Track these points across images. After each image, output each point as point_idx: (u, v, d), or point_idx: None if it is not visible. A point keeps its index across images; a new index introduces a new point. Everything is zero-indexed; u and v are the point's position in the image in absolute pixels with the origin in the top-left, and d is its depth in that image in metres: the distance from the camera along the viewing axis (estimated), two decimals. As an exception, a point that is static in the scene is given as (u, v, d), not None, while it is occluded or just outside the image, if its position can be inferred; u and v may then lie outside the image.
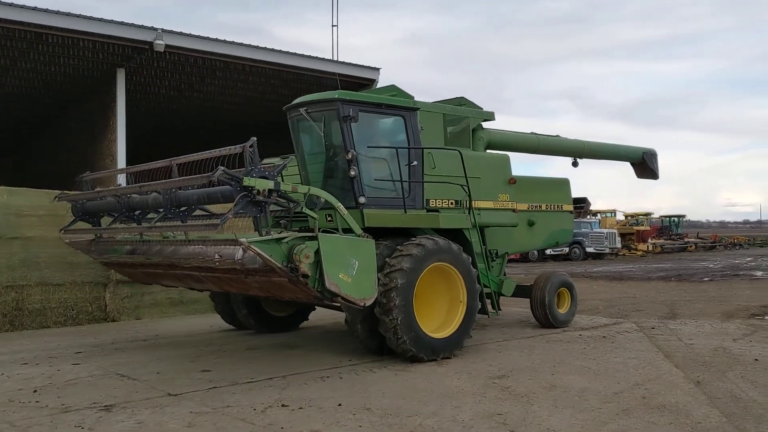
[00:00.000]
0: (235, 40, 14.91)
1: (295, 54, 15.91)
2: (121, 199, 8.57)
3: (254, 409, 6.21)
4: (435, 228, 8.90)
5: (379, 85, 18.17)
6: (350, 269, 6.97)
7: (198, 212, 8.35)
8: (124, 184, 9.45)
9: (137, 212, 8.60)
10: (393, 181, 8.82)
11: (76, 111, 19.02)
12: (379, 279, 7.61)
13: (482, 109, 10.85)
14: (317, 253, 6.71)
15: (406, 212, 8.74)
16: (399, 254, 7.99)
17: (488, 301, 9.54)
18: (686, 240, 48.31)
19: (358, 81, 17.85)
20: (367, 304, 7.26)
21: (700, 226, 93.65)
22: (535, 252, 33.34)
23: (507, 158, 10.71)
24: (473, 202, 9.52)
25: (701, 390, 6.81)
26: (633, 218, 47.08)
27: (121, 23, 14.26)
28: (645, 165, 13.75)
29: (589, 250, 36.42)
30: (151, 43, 13.97)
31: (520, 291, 10.89)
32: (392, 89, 9.70)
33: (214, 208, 8.48)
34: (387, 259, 7.97)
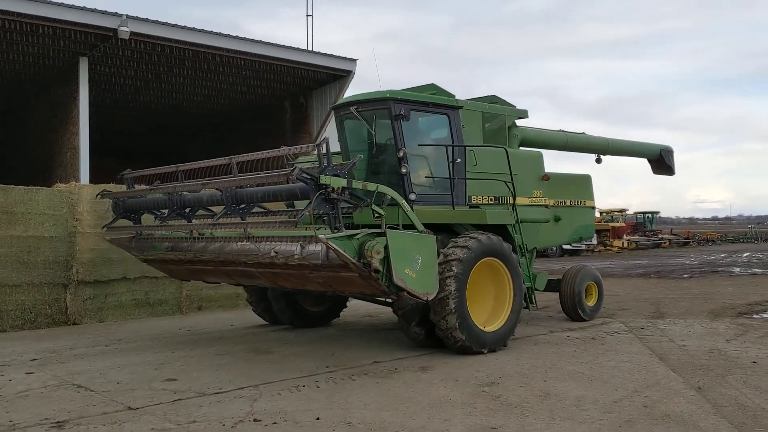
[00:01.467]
0: (205, 28, 14.22)
1: (268, 44, 15.25)
2: (172, 196, 8.66)
3: (223, 425, 5.64)
4: (477, 224, 9.07)
5: (354, 78, 17.63)
6: (415, 264, 7.21)
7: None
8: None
9: (187, 209, 8.74)
10: (442, 179, 9.06)
11: (37, 102, 18.09)
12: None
13: (515, 106, 10.94)
14: (386, 248, 6.90)
15: (454, 209, 8.89)
16: (455, 246, 8.17)
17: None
18: (660, 236, 48.52)
19: (334, 72, 17.26)
20: (429, 299, 7.48)
21: (670, 223, 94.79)
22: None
23: (540, 155, 10.91)
24: (510, 198, 9.72)
25: (704, 397, 6.37)
26: (608, 214, 47.05)
27: (84, 8, 13.43)
28: (662, 161, 13.85)
29: (566, 246, 36.16)
30: (115, 30, 13.20)
31: (549, 285, 10.99)
32: (432, 88, 9.85)
33: (269, 205, 8.70)
34: (442, 250, 8.09)
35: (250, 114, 19.77)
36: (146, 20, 13.64)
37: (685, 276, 21.27)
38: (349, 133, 9.75)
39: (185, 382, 7.23)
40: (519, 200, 9.85)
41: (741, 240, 55.66)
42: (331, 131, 18.79)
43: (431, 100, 9.22)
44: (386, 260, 6.90)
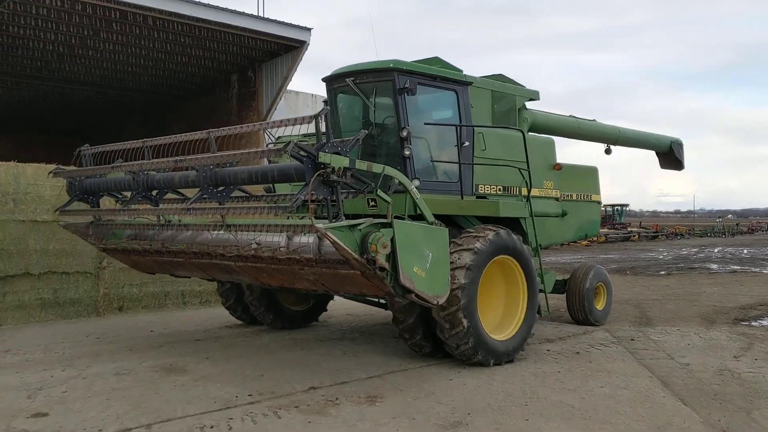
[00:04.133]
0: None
1: (210, 6, 13.32)
2: (138, 176, 7.36)
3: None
4: (485, 217, 8.05)
5: (308, 50, 15.85)
6: (424, 262, 6.08)
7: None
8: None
9: (155, 192, 7.53)
10: (450, 163, 8.07)
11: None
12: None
13: (525, 87, 9.78)
14: (392, 242, 5.81)
15: (462, 198, 7.86)
16: (460, 248, 7.08)
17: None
18: (629, 230, 47.70)
19: (286, 42, 15.37)
20: (440, 303, 6.37)
21: (633, 216, 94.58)
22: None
23: (552, 142, 9.97)
24: (520, 189, 8.71)
25: (734, 447, 4.85)
26: (577, 207, 46.02)
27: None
28: (671, 154, 12.99)
29: (535, 239, 34.92)
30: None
31: (556, 286, 9.93)
32: (436, 61, 8.63)
33: (251, 189, 7.68)
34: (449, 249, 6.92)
35: (192, 88, 17.82)
36: (61, -29, 11.66)
37: (662, 273, 20.07)
38: (344, 109, 8.63)
39: (56, 419, 5.51)
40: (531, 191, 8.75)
41: (708, 234, 55.16)
42: (281, 112, 17.03)
43: (439, 74, 8.11)
44: (392, 256, 5.80)
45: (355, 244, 5.63)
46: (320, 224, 5.42)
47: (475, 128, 8.21)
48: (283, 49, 15.68)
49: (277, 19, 14.53)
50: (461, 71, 8.56)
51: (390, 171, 6.33)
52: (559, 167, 9.76)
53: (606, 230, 44.98)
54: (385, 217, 5.99)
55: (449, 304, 6.74)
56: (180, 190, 7.80)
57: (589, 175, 11.02)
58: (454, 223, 7.78)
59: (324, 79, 8.47)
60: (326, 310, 10.35)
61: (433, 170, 8.09)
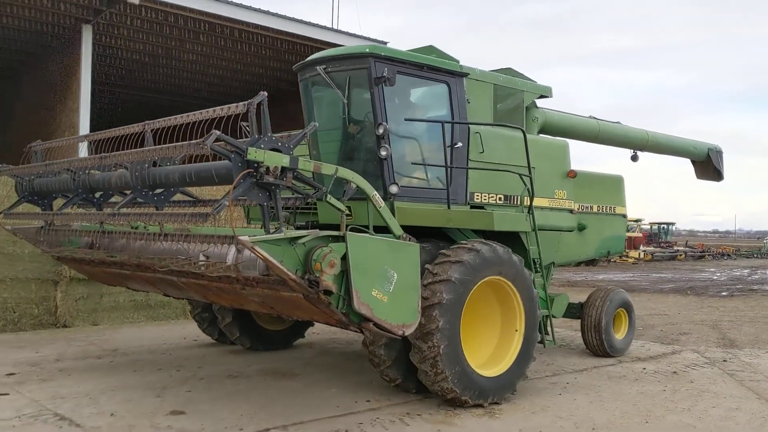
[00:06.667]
0: (224, -1, 12.70)
1: (293, 19, 13.63)
2: (77, 176, 6.48)
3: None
4: (480, 230, 7.02)
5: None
6: (386, 284, 5.08)
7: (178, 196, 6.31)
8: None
9: (98, 194, 6.70)
10: (436, 166, 6.92)
11: (32, 73, 16.44)
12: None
13: (535, 82, 8.59)
14: (344, 260, 4.84)
15: (450, 207, 6.73)
16: (445, 260, 6.12)
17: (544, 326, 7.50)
18: (675, 248, 47.05)
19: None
20: (406, 333, 5.31)
21: (670, 234, 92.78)
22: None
23: (566, 145, 8.69)
24: (527, 198, 7.49)
25: None
26: (624, 224, 45.57)
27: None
28: (709, 164, 11.63)
29: (583, 255, 34.70)
30: (124, -7, 11.69)
31: (568, 311, 8.81)
32: (430, 50, 7.61)
33: (202, 191, 6.57)
34: (428, 266, 6.07)
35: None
36: (158, -15, 12.13)
37: (724, 294, 19.82)
38: (318, 103, 7.49)
39: (195, 416, 5.77)
40: (537, 201, 7.72)
41: (756, 255, 54.12)
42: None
43: (428, 63, 6.97)
44: (345, 276, 4.92)
45: (298, 262, 4.72)
46: (246, 236, 4.51)
47: (470, 127, 7.17)
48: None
49: (355, 33, 14.84)
50: (458, 61, 7.43)
51: (345, 173, 5.38)
52: (573, 174, 8.55)
53: (652, 248, 44.45)
54: (359, 229, 5.30)
55: (427, 322, 5.82)
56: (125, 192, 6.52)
57: (613, 185, 9.83)
58: (448, 238, 6.95)
59: (295, 68, 7.48)
60: (303, 336, 9.28)
61: (418, 175, 7.04)
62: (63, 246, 7.31)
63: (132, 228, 6.78)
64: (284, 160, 4.69)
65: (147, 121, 5.84)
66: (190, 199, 6.51)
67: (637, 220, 46.16)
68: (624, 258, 39.89)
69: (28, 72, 16.87)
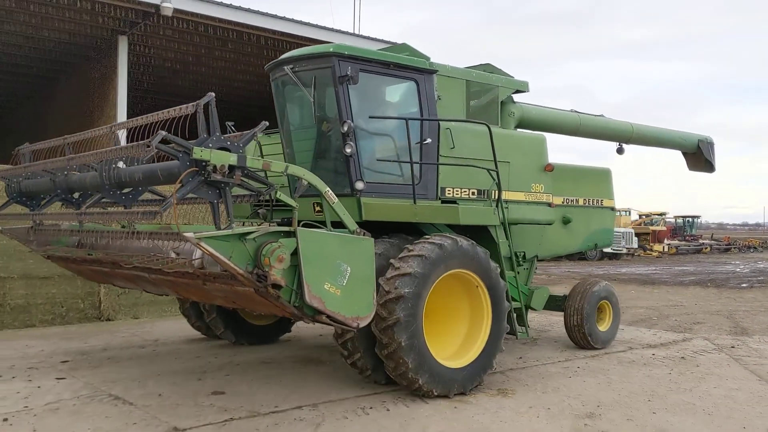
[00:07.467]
0: (251, 8, 13.29)
1: (316, 26, 14.24)
2: (56, 177, 6.67)
3: (287, 460, 4.72)
4: (452, 225, 7.26)
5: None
6: (339, 278, 5.27)
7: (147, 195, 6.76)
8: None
9: (78, 194, 6.86)
10: (402, 162, 7.09)
11: (71, 82, 17.28)
12: (379, 286, 6.00)
13: (512, 77, 8.70)
14: (295, 254, 5.04)
15: (415, 203, 6.91)
16: (407, 254, 6.29)
17: (516, 317, 7.61)
18: (701, 242, 46.89)
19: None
20: (361, 325, 5.50)
21: (698, 227, 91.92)
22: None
23: (543, 139, 8.78)
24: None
25: None
26: (648, 218, 45.54)
27: (127, -19, 12.61)
28: (700, 155, 11.71)
29: (606, 249, 34.88)
30: (158, 6, 12.34)
31: (552, 303, 8.99)
32: (404, 48, 7.86)
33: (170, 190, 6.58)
34: (392, 261, 6.30)
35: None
36: (190, -4, 12.79)
37: (744, 286, 20.01)
38: (289, 103, 7.61)
39: (234, 397, 6.35)
40: (512, 195, 8.04)
41: (783, 247, 53.64)
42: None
43: (393, 60, 7.12)
44: (296, 271, 5.08)
45: (248, 257, 4.86)
46: (190, 233, 4.64)
47: (440, 123, 7.34)
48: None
49: (376, 37, 15.35)
50: (428, 58, 7.55)
51: (295, 170, 5.47)
52: (550, 168, 8.63)
53: (677, 242, 44.39)
54: (315, 224, 5.49)
55: (389, 315, 6.02)
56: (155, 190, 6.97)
57: (600, 177, 9.92)
58: (421, 233, 7.06)
59: (266, 68, 7.64)
60: (290, 331, 9.47)
61: (387, 171, 7.15)
62: (51, 245, 7.51)
63: (122, 227, 6.82)
64: (231, 159, 4.81)
65: (114, 123, 6.10)
66: (160, 197, 6.76)
67: (661, 214, 46.10)
68: (648, 252, 39.97)
69: (67, 80, 17.71)
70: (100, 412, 5.82)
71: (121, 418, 5.67)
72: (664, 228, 44.90)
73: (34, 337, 9.35)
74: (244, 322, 8.88)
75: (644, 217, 45.67)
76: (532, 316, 11.36)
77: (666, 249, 40.96)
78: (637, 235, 39.47)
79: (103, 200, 6.15)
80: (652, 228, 43.06)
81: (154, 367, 7.59)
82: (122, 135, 6.99)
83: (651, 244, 41.12)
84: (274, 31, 14.01)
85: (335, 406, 6.12)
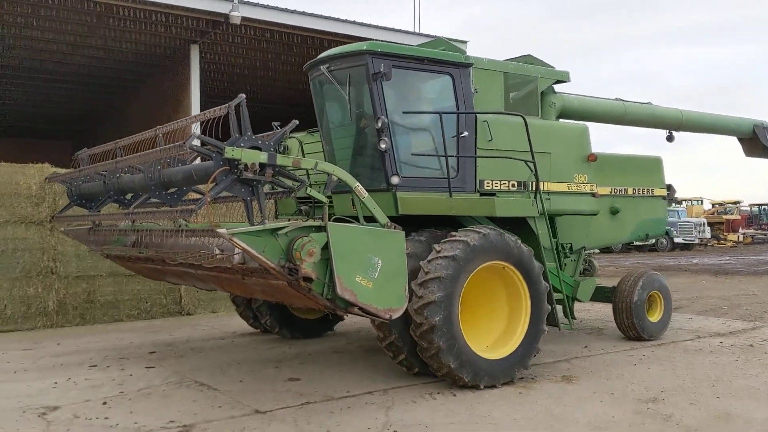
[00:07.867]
0: (315, 12, 13.80)
1: (378, 27, 14.62)
2: (108, 179, 7.02)
3: (361, 439, 5.08)
4: (491, 217, 7.28)
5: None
6: (371, 270, 5.39)
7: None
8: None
9: (130, 195, 7.18)
10: (438, 156, 7.14)
11: (147, 89, 18.27)
12: (412, 289, 6.11)
13: (554, 68, 8.68)
14: (326, 248, 5.21)
15: (451, 196, 6.96)
16: (434, 256, 6.32)
17: (560, 309, 7.72)
18: (779, 230, 45.10)
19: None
20: (393, 317, 5.62)
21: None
22: (618, 242, 31.16)
23: (585, 129, 8.68)
24: (542, 183, 7.69)
25: None
26: (721, 207, 44.13)
27: (197, -7, 13.31)
28: (756, 141, 11.33)
29: (677, 240, 34.08)
30: (227, 15, 12.97)
31: (600, 294, 8.97)
32: (439, 43, 7.98)
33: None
34: (422, 263, 6.31)
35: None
36: (256, 4, 13.35)
37: (825, 275, 19.34)
38: (327, 101, 7.79)
39: (309, 383, 6.76)
40: (554, 186, 8.01)
41: None
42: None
43: (428, 55, 7.21)
44: (328, 264, 5.22)
45: (281, 251, 5.02)
46: (223, 229, 4.83)
47: (477, 116, 7.36)
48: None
49: (432, 34, 15.58)
50: (463, 52, 7.62)
51: (325, 166, 5.66)
52: (594, 158, 8.50)
53: (753, 231, 42.87)
54: (347, 219, 5.58)
55: (425, 294, 6.11)
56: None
57: (650, 166, 9.72)
58: (461, 226, 7.05)
59: (304, 68, 7.81)
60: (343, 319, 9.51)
61: (424, 165, 7.23)
62: (109, 245, 7.74)
63: (177, 226, 6.93)
64: (262, 157, 5.01)
65: (158, 126, 6.44)
66: (202, 195, 6.80)
67: (735, 202, 44.59)
68: (722, 242, 38.81)
69: (143, 87, 18.69)
70: (188, 397, 6.32)
71: (207, 401, 6.15)
72: (739, 217, 43.43)
73: (122, 331, 10.06)
74: (295, 317, 9.12)
75: (717, 206, 44.26)
76: (598, 308, 11.45)
77: (741, 238, 39.66)
78: (710, 224, 38.36)
79: (151, 200, 6.54)
80: (725, 217, 41.74)
81: (234, 357, 8.10)
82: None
83: (725, 234, 39.88)
84: (336, 34, 14.47)
85: (404, 391, 6.45)
